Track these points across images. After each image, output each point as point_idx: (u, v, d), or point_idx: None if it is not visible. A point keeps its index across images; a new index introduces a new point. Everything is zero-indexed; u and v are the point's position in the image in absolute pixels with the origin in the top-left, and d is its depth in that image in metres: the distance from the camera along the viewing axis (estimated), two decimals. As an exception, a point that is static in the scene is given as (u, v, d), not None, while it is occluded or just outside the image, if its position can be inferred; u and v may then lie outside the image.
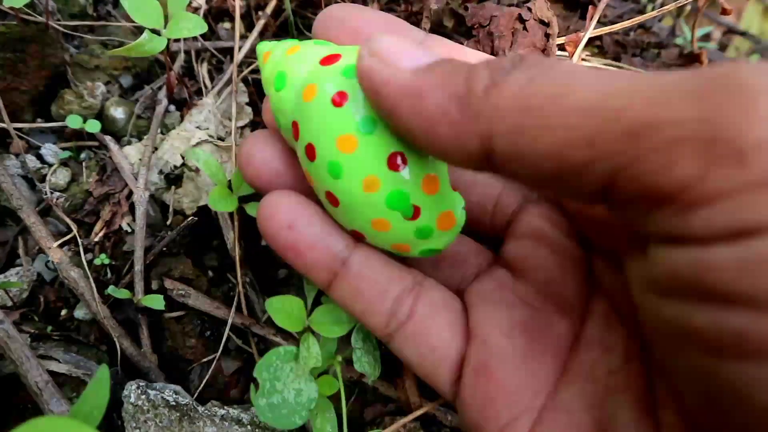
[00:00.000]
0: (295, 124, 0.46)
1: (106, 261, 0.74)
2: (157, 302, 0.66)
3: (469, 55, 0.54)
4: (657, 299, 0.31)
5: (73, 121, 0.75)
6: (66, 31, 0.79)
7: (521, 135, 0.31)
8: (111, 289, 0.66)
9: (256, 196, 0.76)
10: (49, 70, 0.76)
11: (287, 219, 0.47)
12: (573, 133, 0.29)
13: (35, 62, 0.75)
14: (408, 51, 0.38)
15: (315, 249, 0.48)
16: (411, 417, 0.68)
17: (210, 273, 0.82)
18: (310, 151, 0.44)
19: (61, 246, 0.69)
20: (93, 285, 0.68)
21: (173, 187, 0.80)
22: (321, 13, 0.54)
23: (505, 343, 0.45)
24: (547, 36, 0.71)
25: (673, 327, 0.30)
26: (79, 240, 0.70)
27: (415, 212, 0.45)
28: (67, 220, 0.71)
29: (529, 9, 0.72)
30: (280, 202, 0.48)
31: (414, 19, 0.77)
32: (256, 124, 0.87)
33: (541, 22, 0.72)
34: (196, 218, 0.75)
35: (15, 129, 0.74)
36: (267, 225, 0.48)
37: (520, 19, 0.72)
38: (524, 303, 0.47)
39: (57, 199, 0.72)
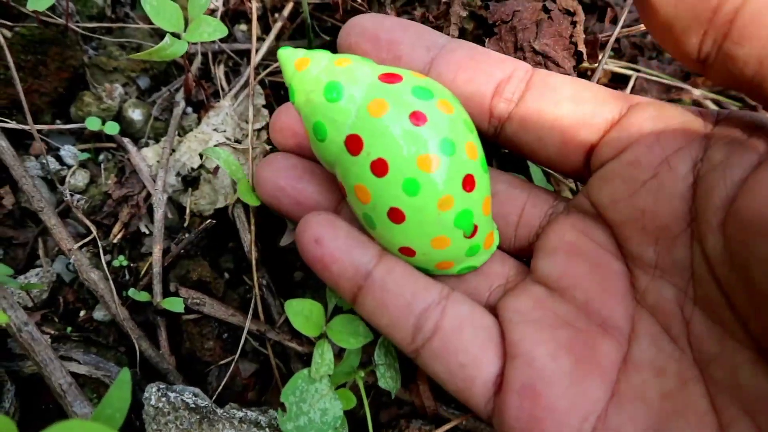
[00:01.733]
0: (355, 138, 0.46)
1: (124, 263, 0.75)
2: (176, 305, 0.67)
3: (494, 58, 0.54)
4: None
5: (92, 123, 0.75)
6: (84, 33, 0.80)
7: None
8: (131, 292, 0.67)
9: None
10: (68, 72, 0.76)
11: (315, 234, 0.48)
12: None
13: (55, 64, 0.75)
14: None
15: (339, 262, 0.48)
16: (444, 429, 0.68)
17: (226, 275, 0.82)
18: (380, 166, 0.45)
19: (80, 248, 0.69)
20: (113, 287, 0.69)
21: (190, 189, 0.81)
22: (348, 23, 0.54)
23: (552, 365, 0.44)
24: (574, 23, 0.70)
25: None
26: (99, 242, 0.71)
27: (474, 231, 0.48)
28: (87, 222, 0.72)
29: (553, 0, 0.71)
30: (310, 220, 0.49)
31: (431, 24, 0.77)
32: (272, 126, 0.87)
33: (567, 11, 0.71)
34: (213, 221, 0.76)
35: (29, 130, 0.74)
36: (299, 240, 0.50)
37: (545, 10, 0.71)
38: (566, 323, 0.46)
39: (77, 201, 0.72)
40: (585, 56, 0.71)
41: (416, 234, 0.47)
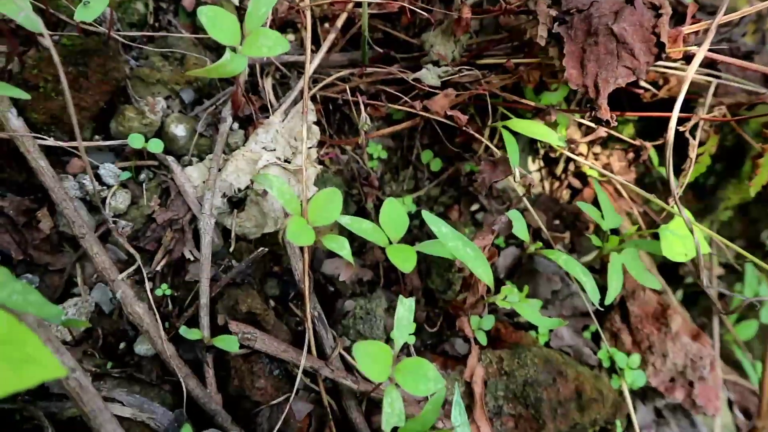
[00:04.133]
0: None
1: (168, 292, 0.69)
2: (231, 344, 0.61)
3: None
4: None
5: (136, 141, 0.70)
6: (125, 41, 0.74)
7: None
8: (183, 330, 0.61)
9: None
10: (110, 84, 0.71)
11: None
12: None
13: (97, 76, 0.70)
14: None
15: None
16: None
17: (271, 302, 0.77)
18: None
19: (124, 278, 0.64)
20: (159, 322, 0.63)
21: (235, 211, 0.75)
22: None
23: None
24: (659, 15, 0.65)
25: None
26: (144, 271, 0.66)
27: None
28: (130, 249, 0.66)
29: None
30: None
31: (507, 18, 0.72)
32: (323, 144, 0.82)
33: (652, 5, 0.66)
34: (266, 250, 0.70)
35: (73, 147, 0.69)
36: None
37: (628, 1, 0.66)
38: None
39: (122, 228, 0.67)
40: (667, 48, 0.65)
41: None
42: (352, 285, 0.81)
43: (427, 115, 0.77)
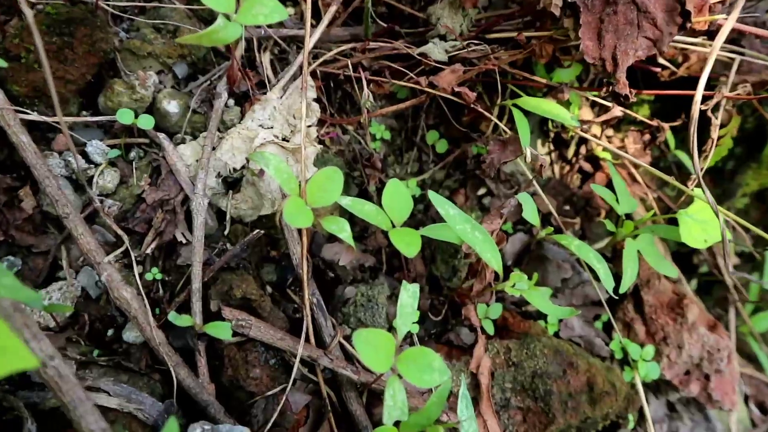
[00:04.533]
0: None
1: (158, 276, 0.66)
2: (223, 331, 0.58)
3: None
4: None
5: (125, 116, 0.66)
6: (115, 12, 0.70)
7: None
8: (172, 316, 0.58)
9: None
10: (98, 56, 0.67)
11: None
12: None
13: (84, 48, 0.66)
14: None
15: None
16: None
17: (268, 288, 0.73)
18: None
19: (111, 261, 0.60)
20: (148, 308, 0.60)
21: (230, 191, 0.71)
22: None
23: None
24: None
25: None
26: (132, 254, 0.62)
27: None
28: (118, 230, 0.63)
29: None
30: None
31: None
32: (323, 123, 0.78)
33: None
34: (261, 232, 0.67)
35: (57, 123, 0.65)
36: None
37: None
38: None
39: (108, 207, 0.63)
40: (693, 17, 0.60)
41: None
42: (353, 271, 0.77)
43: (433, 91, 0.73)
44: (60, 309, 0.55)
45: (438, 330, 0.79)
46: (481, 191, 0.91)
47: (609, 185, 0.85)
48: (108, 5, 0.70)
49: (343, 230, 0.63)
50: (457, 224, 0.66)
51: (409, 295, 0.61)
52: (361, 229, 0.82)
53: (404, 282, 0.61)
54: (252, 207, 0.72)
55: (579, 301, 0.81)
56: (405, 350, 0.57)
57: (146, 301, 0.60)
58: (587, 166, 0.90)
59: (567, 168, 0.91)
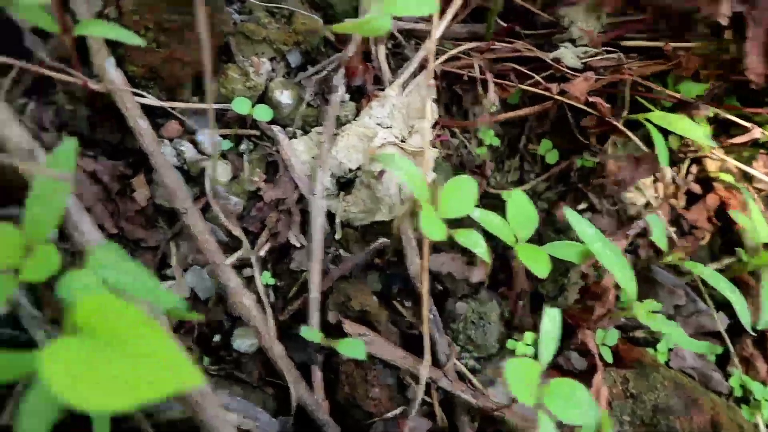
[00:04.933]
0: None
1: (271, 281, 0.61)
2: (357, 350, 0.53)
3: None
4: None
5: (241, 106, 0.61)
6: (233, -8, 0.65)
7: None
8: (303, 331, 0.53)
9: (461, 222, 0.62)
10: (217, 38, 0.62)
11: None
12: None
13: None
14: None
15: None
16: None
17: (374, 298, 0.69)
18: None
19: (234, 265, 0.56)
20: (270, 317, 0.55)
21: (341, 193, 0.67)
22: None
23: None
24: None
25: None
26: (253, 258, 0.57)
27: None
28: (235, 230, 0.58)
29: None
30: None
31: None
32: (435, 125, 0.73)
33: None
34: (387, 241, 0.62)
35: (170, 108, 0.60)
36: None
37: None
38: None
39: (234, 205, 0.58)
40: None
41: None
42: (460, 285, 0.72)
43: (563, 99, 0.68)
44: (186, 316, 0.50)
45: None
46: (582, 206, 0.86)
47: (720, 209, 0.80)
48: (227, -16, 0.65)
49: (479, 245, 0.58)
50: (595, 243, 0.61)
51: (552, 320, 0.56)
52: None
53: (546, 307, 0.56)
54: (364, 210, 0.67)
55: (691, 331, 0.76)
56: (550, 381, 0.53)
57: (268, 309, 0.55)
58: (696, 187, 0.85)
59: (673, 188, 0.86)
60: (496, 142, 0.79)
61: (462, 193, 0.59)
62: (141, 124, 0.56)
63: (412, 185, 0.57)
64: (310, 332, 0.53)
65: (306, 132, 0.67)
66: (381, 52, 0.71)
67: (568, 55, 0.67)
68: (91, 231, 0.45)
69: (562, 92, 0.67)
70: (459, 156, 0.77)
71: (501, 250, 0.75)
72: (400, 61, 0.73)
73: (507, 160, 0.84)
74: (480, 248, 0.58)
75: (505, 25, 0.74)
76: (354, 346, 0.53)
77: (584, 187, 0.84)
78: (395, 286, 0.70)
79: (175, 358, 0.32)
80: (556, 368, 0.72)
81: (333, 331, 0.59)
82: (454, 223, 0.58)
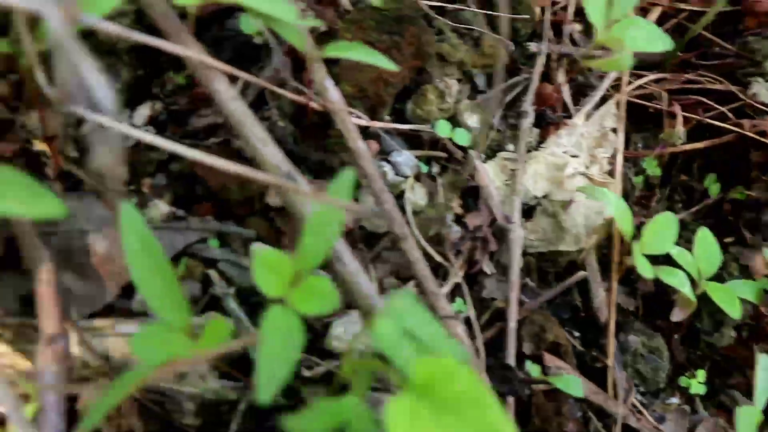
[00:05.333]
0: None
1: (463, 308, 0.60)
2: (573, 387, 0.53)
3: None
4: None
5: (442, 129, 0.61)
6: (428, 12, 0.65)
7: None
8: (556, 380, 0.52)
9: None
10: (422, 59, 0.61)
11: None
12: None
13: (410, 49, 0.60)
14: None
15: None
16: None
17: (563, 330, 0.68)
18: None
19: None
20: (482, 350, 0.55)
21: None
22: None
23: None
24: None
25: None
26: (466, 290, 0.57)
27: None
28: (441, 258, 0.57)
29: None
30: None
31: None
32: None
33: None
34: (584, 272, 0.61)
35: (381, 129, 0.60)
36: None
37: None
38: None
39: (453, 232, 0.58)
40: None
41: None
42: (630, 318, 0.72)
43: (756, 137, 0.67)
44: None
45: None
46: (729, 239, 0.84)
47: None
48: (424, 2, 0.64)
49: (684, 284, 0.58)
50: None
51: (765, 367, 0.55)
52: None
53: (760, 354, 0.55)
54: (542, 239, 0.66)
55: None
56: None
57: (481, 341, 0.55)
58: None
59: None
60: (658, 172, 0.78)
61: (665, 231, 0.59)
62: (360, 146, 0.55)
63: (620, 220, 0.57)
64: (563, 382, 0.53)
65: (489, 157, 0.67)
66: (562, 78, 0.71)
67: (763, 90, 0.66)
68: (352, 261, 0.45)
69: (755, 128, 0.66)
70: (623, 184, 0.76)
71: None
72: (578, 86, 0.72)
73: (657, 189, 0.83)
74: (686, 287, 0.58)
75: (680, 54, 0.73)
76: (571, 383, 0.53)
77: (735, 221, 0.83)
78: (564, 315, 0.70)
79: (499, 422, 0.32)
80: (721, 408, 0.71)
81: (525, 361, 0.59)
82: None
